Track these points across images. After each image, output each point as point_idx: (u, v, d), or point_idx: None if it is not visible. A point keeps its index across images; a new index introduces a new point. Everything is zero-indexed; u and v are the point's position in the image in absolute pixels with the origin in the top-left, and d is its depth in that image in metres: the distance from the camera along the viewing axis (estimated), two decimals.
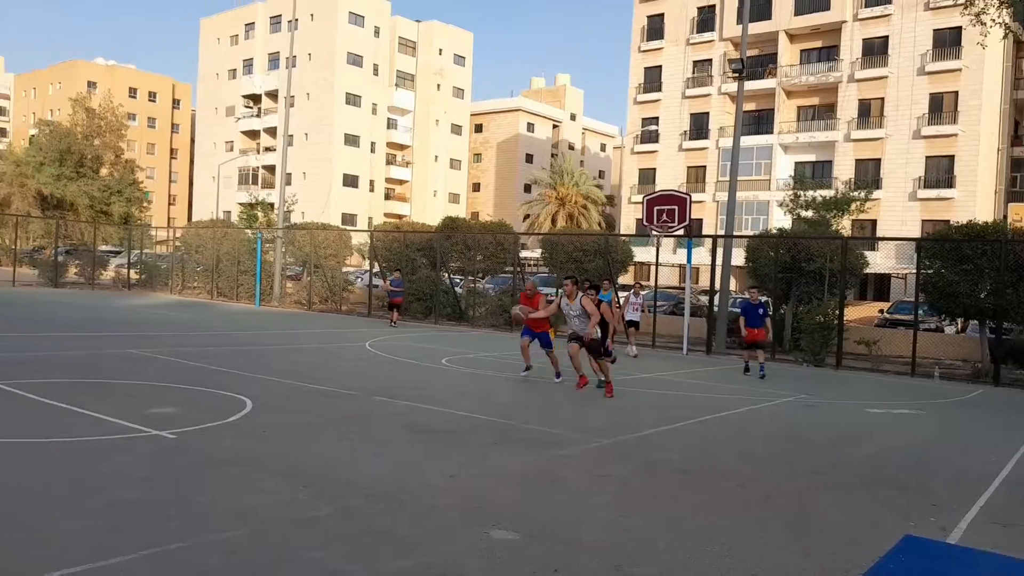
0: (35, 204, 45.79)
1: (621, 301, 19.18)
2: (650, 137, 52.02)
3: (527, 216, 62.61)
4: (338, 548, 4.34)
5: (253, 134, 71.51)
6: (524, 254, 31.76)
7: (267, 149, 69.51)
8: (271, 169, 67.54)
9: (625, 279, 27.27)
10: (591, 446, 7.48)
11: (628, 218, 51.91)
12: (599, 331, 10.63)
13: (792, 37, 47.07)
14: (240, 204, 61.86)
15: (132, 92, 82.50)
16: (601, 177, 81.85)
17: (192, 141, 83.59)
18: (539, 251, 28.23)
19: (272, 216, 40.00)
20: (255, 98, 71.24)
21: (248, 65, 71.28)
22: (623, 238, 28.21)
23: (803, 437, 8.87)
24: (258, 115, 70.90)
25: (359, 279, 31.69)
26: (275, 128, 67.75)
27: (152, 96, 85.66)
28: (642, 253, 29.56)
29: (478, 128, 79.44)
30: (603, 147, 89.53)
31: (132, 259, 34.20)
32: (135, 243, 35.03)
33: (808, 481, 6.71)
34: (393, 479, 5.88)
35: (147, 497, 5.06)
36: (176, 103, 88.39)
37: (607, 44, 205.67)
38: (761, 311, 14.39)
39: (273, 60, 68.95)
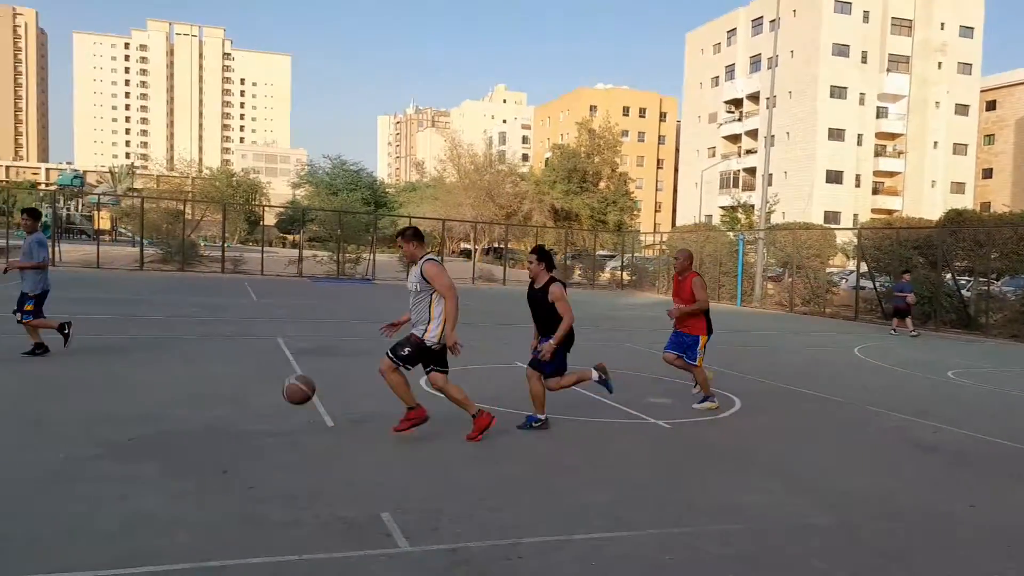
0: (549, 216, 53.36)
1: None
2: None
3: None
4: (842, 561, 4.14)
5: (734, 138, 72.57)
6: None
7: (748, 152, 69.87)
8: (751, 171, 67.71)
9: None
10: None
11: None
12: (430, 324, 5.94)
13: None
14: (721, 207, 63.24)
15: (625, 110, 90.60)
16: None
17: (676, 150, 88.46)
18: None
19: (753, 218, 40.04)
20: (736, 103, 72.20)
21: (730, 70, 72.57)
22: None
23: None
24: (739, 119, 71.72)
25: (844, 280, 29.85)
26: (756, 130, 67.74)
27: (642, 112, 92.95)
28: None
29: (990, 105, 68.31)
30: None
31: (624, 262, 37.56)
32: (627, 248, 38.42)
33: None
34: (899, 497, 5.41)
35: (650, 479, 5.52)
36: (663, 116, 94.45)
37: None
38: None
39: (754, 63, 69.04)
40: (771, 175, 50.14)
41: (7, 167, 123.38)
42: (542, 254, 6.76)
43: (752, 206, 54.43)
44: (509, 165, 59.57)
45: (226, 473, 5.04)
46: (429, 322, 5.95)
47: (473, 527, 4.29)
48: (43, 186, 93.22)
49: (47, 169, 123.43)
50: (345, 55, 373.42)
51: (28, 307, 8.94)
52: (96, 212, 49.12)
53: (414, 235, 6.11)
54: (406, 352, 5.92)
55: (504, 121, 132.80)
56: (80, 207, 50.57)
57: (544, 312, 6.66)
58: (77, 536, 3.87)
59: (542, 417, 6.75)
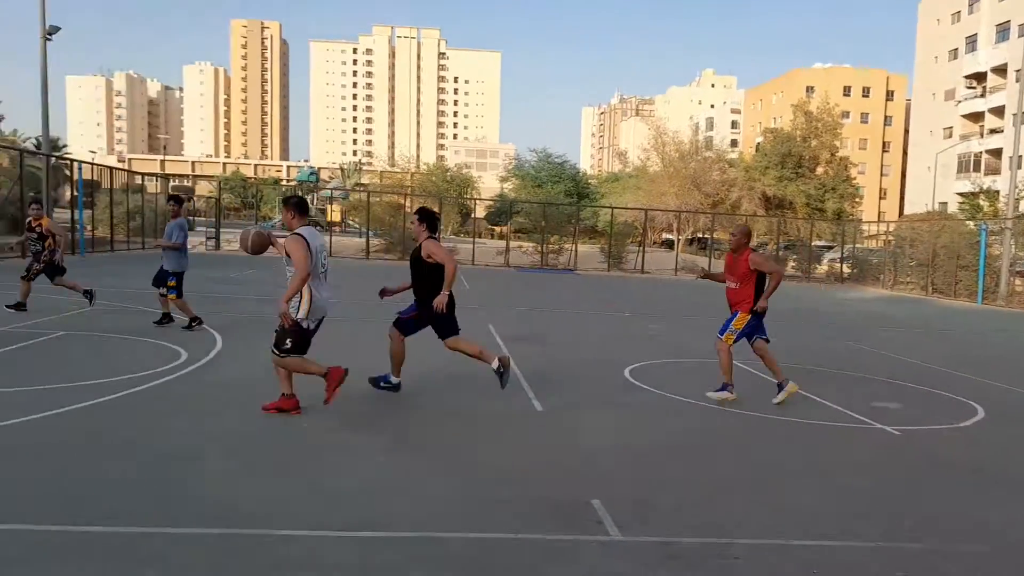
0: (760, 204, 50.94)
1: None
2: None
3: None
4: None
5: (975, 116, 64.95)
6: None
7: (992, 131, 62.22)
8: (996, 153, 60.29)
9: None
10: None
11: None
12: (300, 302, 5.77)
13: None
14: (959, 194, 57.05)
15: (846, 91, 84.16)
16: None
17: (905, 132, 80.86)
18: None
19: (998, 205, 35.73)
20: (979, 77, 64.51)
21: (971, 42, 65.02)
22: None
23: None
24: (982, 95, 64.02)
25: None
26: (1002, 107, 60.13)
27: (865, 92, 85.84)
28: None
29: None
30: None
31: (844, 253, 35.01)
32: (847, 238, 35.75)
33: None
34: None
35: (878, 488, 5.11)
36: (889, 95, 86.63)
37: None
38: None
39: (1001, 31, 61.30)
40: (1021, 157, 44.21)
41: (255, 165, 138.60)
42: (423, 215, 6.76)
43: (997, 192, 48.53)
44: (716, 151, 57.50)
45: (447, 450, 5.35)
46: (300, 300, 5.80)
47: (684, 522, 4.22)
48: (284, 182, 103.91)
49: (288, 167, 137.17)
50: (551, 48, 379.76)
51: (171, 283, 9.84)
52: (328, 205, 53.91)
53: (296, 205, 6.01)
54: (288, 344, 5.79)
55: (712, 106, 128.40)
56: (315, 201, 55.71)
57: (419, 273, 6.67)
58: (316, 499, 4.28)
59: (395, 380, 6.81)
